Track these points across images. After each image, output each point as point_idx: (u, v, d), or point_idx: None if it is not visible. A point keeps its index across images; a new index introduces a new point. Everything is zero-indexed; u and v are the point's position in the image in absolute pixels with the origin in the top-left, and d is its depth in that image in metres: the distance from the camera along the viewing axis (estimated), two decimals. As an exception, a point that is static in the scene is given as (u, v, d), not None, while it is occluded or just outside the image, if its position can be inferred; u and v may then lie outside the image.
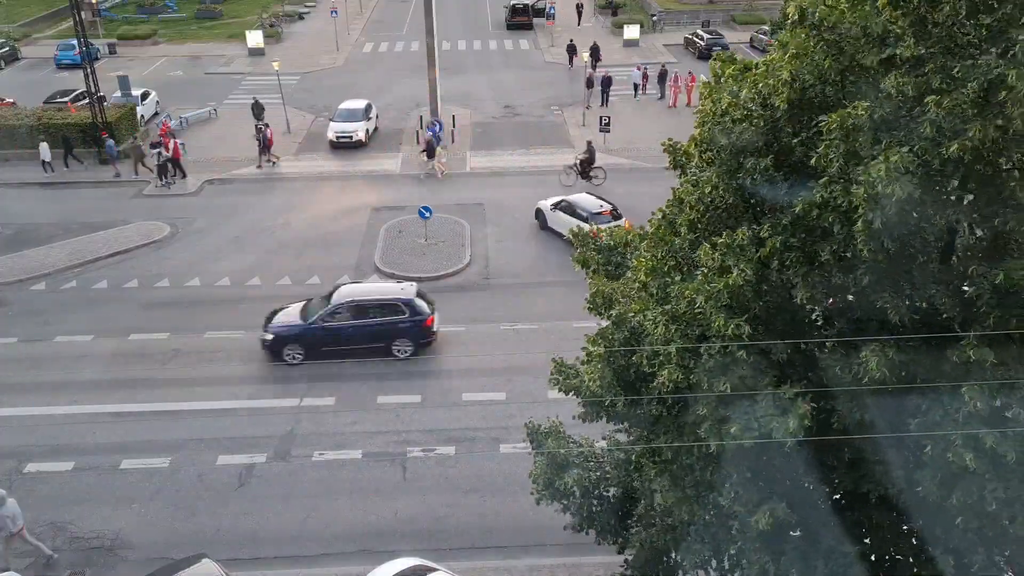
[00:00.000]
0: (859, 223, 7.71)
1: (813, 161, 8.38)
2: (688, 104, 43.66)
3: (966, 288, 8.36)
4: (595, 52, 46.83)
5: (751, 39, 55.26)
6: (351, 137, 38.37)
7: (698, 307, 8.89)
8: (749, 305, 8.95)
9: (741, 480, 9.33)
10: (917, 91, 7.84)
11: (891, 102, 7.89)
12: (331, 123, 39.25)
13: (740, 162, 9.26)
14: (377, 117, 41.08)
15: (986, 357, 7.88)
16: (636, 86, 45.67)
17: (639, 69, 46.41)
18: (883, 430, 8.83)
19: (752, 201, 9.49)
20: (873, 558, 10.21)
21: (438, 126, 38.74)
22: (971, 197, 8.15)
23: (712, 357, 8.78)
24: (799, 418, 8.26)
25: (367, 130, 39.03)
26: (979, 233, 8.66)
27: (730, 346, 8.66)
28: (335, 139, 38.46)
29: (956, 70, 7.53)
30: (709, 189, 9.54)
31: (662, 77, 44.95)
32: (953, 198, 8.16)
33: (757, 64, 9.92)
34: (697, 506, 10.05)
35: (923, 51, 7.83)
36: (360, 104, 40.15)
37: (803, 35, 8.69)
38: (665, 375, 9.14)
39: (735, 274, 8.65)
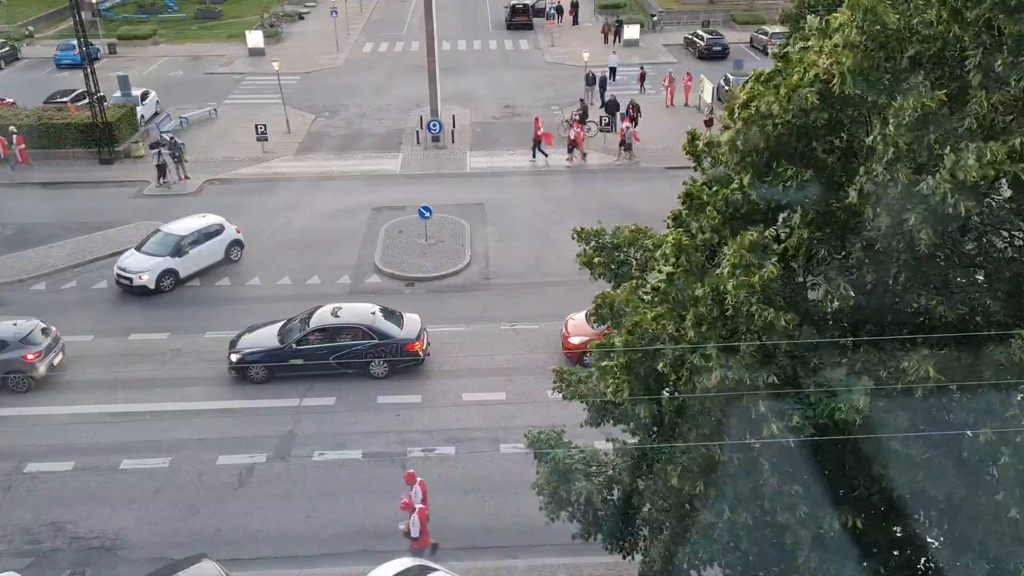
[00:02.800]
0: (949, 206, 7.35)
1: (871, 140, 8.06)
2: (686, 104, 43.68)
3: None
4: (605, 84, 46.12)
5: (751, 39, 55.26)
6: (131, 280, 26.51)
7: (730, 303, 8.73)
8: (776, 300, 8.89)
9: (782, 483, 9.19)
10: (947, 89, 7.68)
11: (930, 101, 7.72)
12: (129, 250, 27.71)
13: (771, 167, 9.14)
14: (235, 250, 28.58)
15: None
16: (613, 70, 47.04)
17: (615, 55, 48.63)
18: (931, 437, 8.69)
19: (773, 204, 9.40)
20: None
21: (438, 126, 38.77)
22: (1010, 198, 8.08)
23: (749, 353, 8.66)
24: (866, 396, 8.09)
25: (167, 271, 26.72)
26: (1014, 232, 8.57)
27: (766, 341, 8.53)
28: (115, 276, 26.98)
29: (998, 65, 7.37)
30: (738, 194, 9.39)
31: (603, 84, 44.44)
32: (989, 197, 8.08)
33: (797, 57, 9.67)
34: (744, 511, 9.85)
35: (959, 46, 7.70)
36: (188, 228, 27.77)
37: (854, 24, 8.29)
38: (716, 380, 8.93)
39: (768, 268, 8.53)
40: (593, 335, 22.48)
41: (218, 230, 28.64)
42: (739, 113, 9.61)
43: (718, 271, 9.28)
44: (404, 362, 22.59)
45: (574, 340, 22.85)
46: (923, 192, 7.49)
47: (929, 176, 7.47)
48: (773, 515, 9.49)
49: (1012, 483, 8.16)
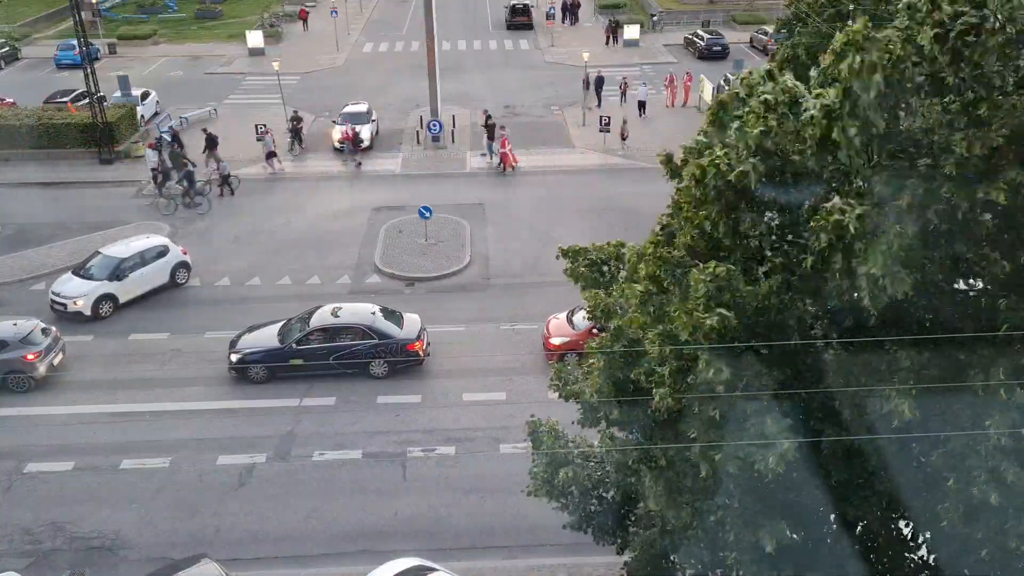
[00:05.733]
0: (866, 301, 7.53)
1: (812, 243, 8.03)
2: (685, 103, 43.66)
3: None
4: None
5: (751, 39, 55.28)
6: (65, 306, 25.57)
7: (687, 338, 8.73)
8: (736, 340, 8.78)
9: (736, 493, 9.29)
10: (941, 120, 7.65)
11: (874, 206, 7.64)
12: (67, 274, 26.83)
13: (740, 205, 8.96)
14: (181, 273, 27.60)
15: (1011, 390, 7.73)
16: (642, 104, 44.15)
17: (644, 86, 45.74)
18: (901, 461, 8.72)
19: (746, 234, 9.29)
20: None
21: (438, 126, 38.78)
22: (990, 230, 8.08)
23: (700, 385, 8.68)
24: (779, 457, 8.11)
25: (104, 296, 25.80)
26: (995, 267, 8.56)
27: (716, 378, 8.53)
28: (49, 302, 25.97)
29: (983, 110, 7.29)
30: (709, 227, 9.25)
31: (599, 84, 43.57)
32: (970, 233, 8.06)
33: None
34: (693, 513, 10.01)
35: (958, 82, 7.67)
36: (129, 251, 26.99)
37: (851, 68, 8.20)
38: (662, 394, 9.04)
39: (715, 319, 8.35)
40: (574, 336, 22.58)
41: (162, 252, 27.27)
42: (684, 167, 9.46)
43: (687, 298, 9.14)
44: (404, 362, 22.60)
45: (555, 341, 22.90)
46: (858, 274, 7.54)
47: (862, 262, 7.47)
48: (726, 524, 9.60)
49: (956, 505, 8.26)
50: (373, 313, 23.36)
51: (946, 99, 7.68)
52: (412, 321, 23.43)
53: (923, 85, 7.77)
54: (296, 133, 38.66)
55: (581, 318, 23.03)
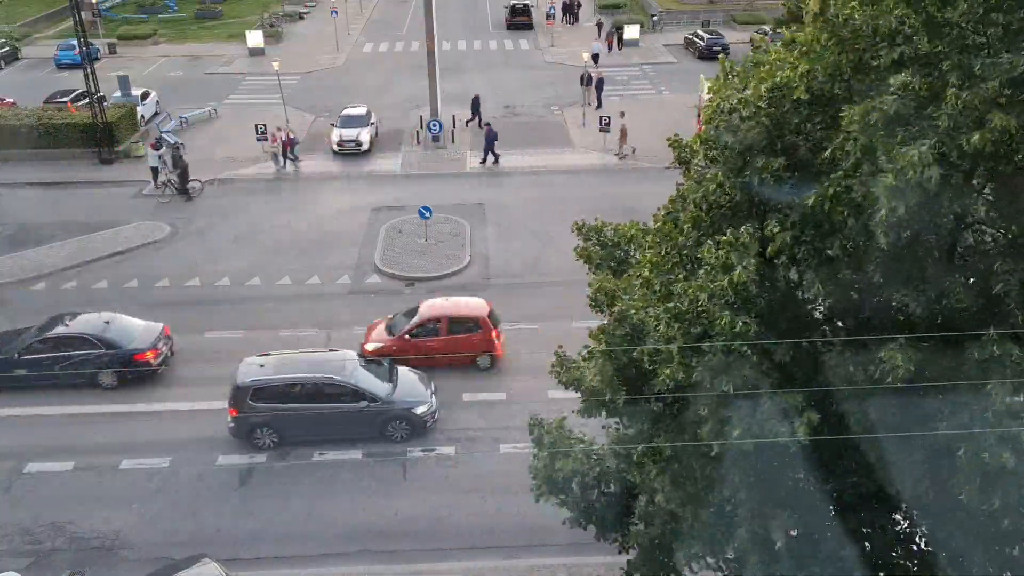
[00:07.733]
0: (882, 212, 7.49)
1: (827, 153, 8.31)
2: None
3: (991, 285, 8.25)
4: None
5: (751, 39, 55.20)
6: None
7: (701, 305, 8.80)
8: (752, 302, 8.88)
9: (744, 483, 9.27)
10: (930, 89, 7.76)
11: (904, 99, 7.81)
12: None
13: (746, 160, 9.20)
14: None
15: (1010, 351, 7.72)
16: (596, 56, 48.79)
17: (597, 41, 51.71)
18: (901, 433, 8.73)
19: (756, 199, 9.43)
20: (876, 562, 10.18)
21: (438, 126, 38.77)
22: (989, 194, 8.10)
23: (715, 355, 8.70)
24: (806, 425, 8.16)
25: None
26: (996, 230, 8.61)
27: (733, 344, 8.57)
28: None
29: (977, 67, 7.43)
30: (714, 187, 9.47)
31: (599, 85, 43.67)
32: (971, 193, 8.11)
33: (765, 61, 9.85)
34: (699, 505, 10.01)
35: (937, 49, 7.78)
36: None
37: (816, 30, 8.62)
38: (667, 373, 9.06)
39: (738, 271, 8.52)
40: (389, 342, 22.50)
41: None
42: (708, 109, 9.80)
43: (700, 270, 9.29)
44: (135, 371, 22.11)
45: (369, 347, 22.78)
46: (876, 195, 7.63)
47: (882, 175, 7.58)
48: (733, 516, 9.57)
49: (971, 476, 8.20)
50: (106, 323, 22.84)
51: (930, 72, 7.81)
52: (148, 330, 23.02)
53: (902, 62, 7.92)
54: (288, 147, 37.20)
55: (400, 325, 23.02)
